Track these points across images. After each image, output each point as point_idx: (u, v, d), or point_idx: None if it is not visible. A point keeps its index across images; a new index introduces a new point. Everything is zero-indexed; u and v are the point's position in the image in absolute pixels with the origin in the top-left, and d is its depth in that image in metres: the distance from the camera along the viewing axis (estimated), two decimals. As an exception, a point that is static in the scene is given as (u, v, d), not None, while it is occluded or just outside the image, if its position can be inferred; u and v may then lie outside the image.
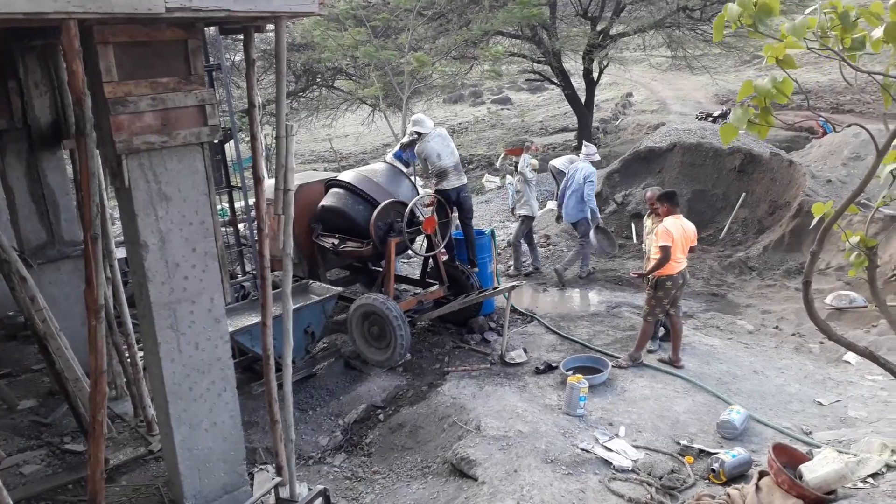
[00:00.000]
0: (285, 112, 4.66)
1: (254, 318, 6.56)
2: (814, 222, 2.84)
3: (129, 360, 5.73)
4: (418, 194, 7.94)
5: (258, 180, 4.80)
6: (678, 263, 6.68)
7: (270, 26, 4.94)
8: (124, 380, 5.91)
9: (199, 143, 4.42)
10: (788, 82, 2.42)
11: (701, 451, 5.42)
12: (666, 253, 6.51)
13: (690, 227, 6.84)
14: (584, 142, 9.99)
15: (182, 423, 4.47)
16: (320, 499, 4.51)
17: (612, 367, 6.72)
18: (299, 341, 6.57)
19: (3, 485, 3.77)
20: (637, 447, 5.47)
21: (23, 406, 6.25)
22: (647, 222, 7.44)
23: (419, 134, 7.88)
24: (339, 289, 7.42)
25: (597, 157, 10.23)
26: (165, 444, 4.66)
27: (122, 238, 5.89)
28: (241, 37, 4.91)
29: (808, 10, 2.55)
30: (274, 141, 4.79)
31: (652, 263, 6.69)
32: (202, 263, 4.48)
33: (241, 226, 8.56)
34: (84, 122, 3.64)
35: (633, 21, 19.37)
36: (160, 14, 3.76)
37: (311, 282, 7.54)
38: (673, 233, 6.58)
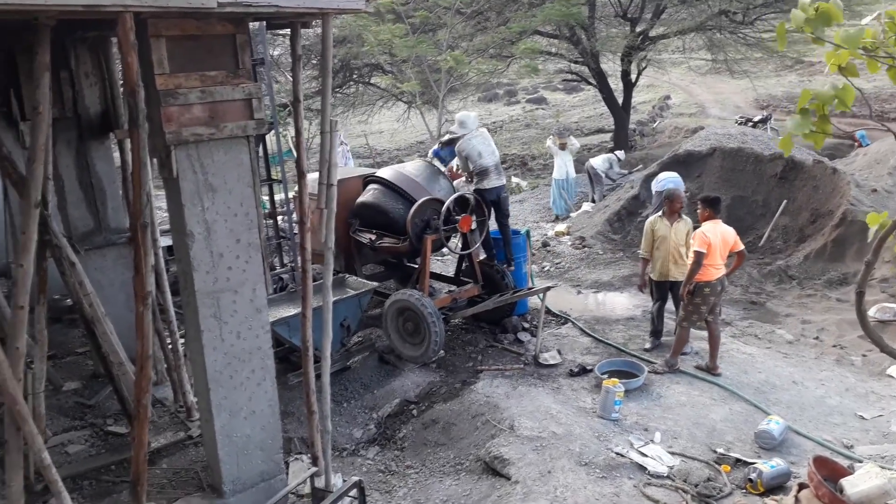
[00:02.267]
0: (330, 108, 4.71)
1: (291, 310, 6.64)
2: (871, 232, 2.76)
3: (170, 346, 5.84)
4: (455, 192, 7.94)
5: (301, 174, 4.85)
6: (716, 269, 6.58)
7: (316, 22, 5.01)
8: (165, 366, 6.02)
9: (245, 136, 4.49)
10: (850, 90, 2.37)
11: (738, 460, 5.34)
12: (698, 258, 6.42)
13: (730, 233, 6.73)
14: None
15: (222, 409, 4.54)
16: (355, 490, 4.55)
17: (648, 372, 6.65)
18: (335, 334, 6.61)
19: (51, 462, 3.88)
20: (673, 453, 5.41)
21: (67, 387, 6.41)
22: (659, 227, 7.14)
23: (460, 132, 7.86)
24: (375, 283, 7.47)
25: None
26: (205, 430, 4.75)
27: (164, 227, 6.02)
28: (281, 32, 4.98)
29: (865, 20, 2.50)
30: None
31: (687, 269, 6.61)
32: (245, 254, 4.55)
33: (279, 219, 8.67)
34: (136, 113, 3.72)
35: (674, 23, 19.10)
36: (212, 9, 3.82)
37: (347, 276, 7.60)
38: (710, 238, 6.48)
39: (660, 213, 7.30)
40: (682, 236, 7.04)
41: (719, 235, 6.57)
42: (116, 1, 3.43)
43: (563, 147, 14.11)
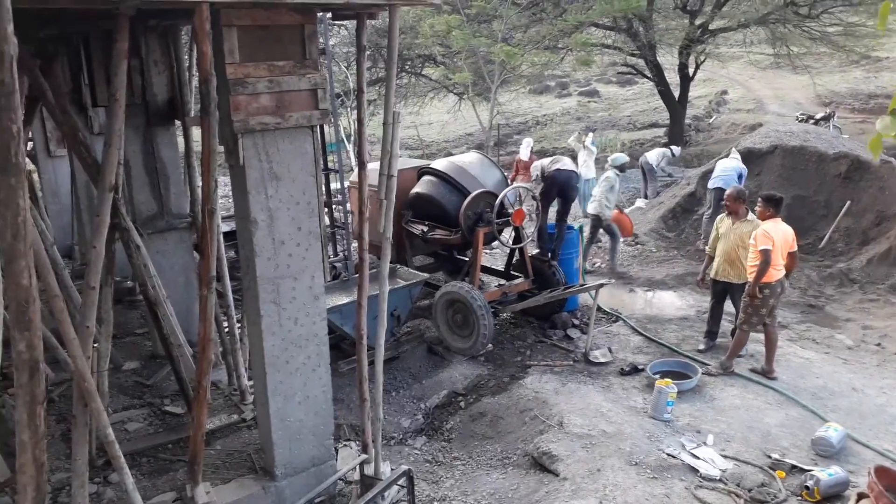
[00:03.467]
0: (393, 98, 4.73)
1: (344, 298, 6.73)
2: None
3: (226, 330, 5.98)
4: (508, 185, 7.91)
5: (362, 164, 4.90)
6: (777, 271, 6.42)
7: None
8: (220, 349, 6.17)
9: (310, 126, 4.55)
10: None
11: (793, 466, 5.21)
12: (766, 256, 6.26)
13: (790, 233, 6.55)
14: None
15: (277, 394, 4.64)
16: (404, 479, 4.60)
17: (702, 373, 6.53)
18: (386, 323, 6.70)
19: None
20: (725, 457, 5.31)
21: (127, 367, 6.64)
22: (722, 225, 7.07)
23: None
24: (426, 275, 7.51)
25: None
26: (260, 413, 4.86)
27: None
28: (339, 22, 5.01)
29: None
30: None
31: (754, 270, 6.44)
32: (306, 242, 4.62)
33: (333, 208, 8.77)
34: (209, 101, 3.81)
35: (736, 16, 18.59)
36: (283, 0, 3.88)
37: (398, 266, 7.66)
38: (773, 237, 6.32)
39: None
40: (742, 238, 6.82)
41: (780, 235, 6.41)
42: (192, -9, 3.52)
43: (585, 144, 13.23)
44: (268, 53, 4.25)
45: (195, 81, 5.90)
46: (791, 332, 7.98)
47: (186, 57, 6.21)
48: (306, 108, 4.44)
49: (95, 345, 4.86)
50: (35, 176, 9.63)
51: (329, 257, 8.19)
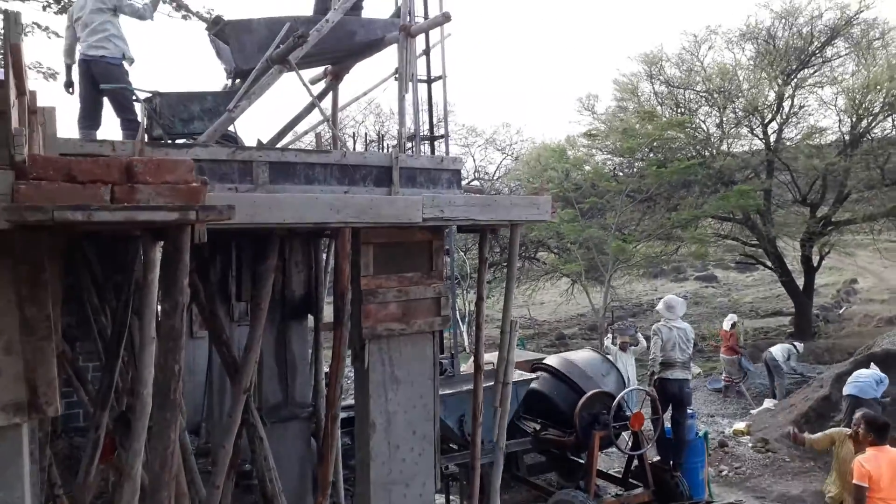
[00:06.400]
0: (512, 309, 4.90)
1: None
2: None
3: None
4: (626, 386, 7.70)
5: (478, 368, 4.99)
6: None
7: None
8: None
9: (431, 332, 4.76)
10: None
11: None
12: (860, 493, 5.54)
13: None
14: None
15: None
16: None
17: None
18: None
19: None
20: None
21: (237, 557, 6.60)
22: (846, 447, 6.16)
23: (666, 315, 8.03)
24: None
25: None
26: None
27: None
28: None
29: None
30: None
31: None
32: (419, 447, 4.65)
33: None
34: (343, 314, 4.10)
35: (860, 208, 18.15)
36: (417, 223, 4.25)
37: None
38: (869, 468, 5.58)
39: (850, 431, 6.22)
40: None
41: (885, 464, 5.64)
42: (341, 219, 3.94)
43: (623, 348, 11.25)
44: (398, 266, 4.60)
45: (329, 278, 6.38)
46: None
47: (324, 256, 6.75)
48: (430, 314, 4.69)
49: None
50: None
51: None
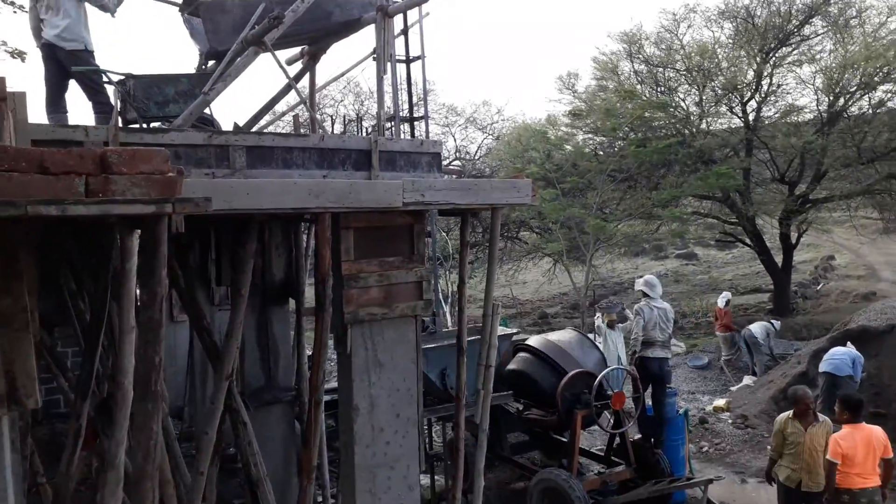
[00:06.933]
0: (493, 293, 4.91)
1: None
2: None
3: (321, 508, 5.94)
4: (607, 366, 7.78)
5: (461, 350, 5.01)
6: (863, 479, 5.74)
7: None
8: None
9: (414, 315, 4.76)
10: None
11: None
12: (831, 468, 5.71)
13: (878, 436, 5.89)
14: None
15: (369, 588, 4.50)
16: None
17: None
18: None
19: None
20: None
21: (223, 540, 6.62)
22: (792, 427, 6.24)
23: (648, 291, 8.10)
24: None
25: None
26: None
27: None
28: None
29: None
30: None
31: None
32: (403, 430, 4.68)
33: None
34: (324, 300, 4.09)
35: (837, 186, 18.37)
36: (397, 207, 4.23)
37: None
38: (843, 447, 5.72)
39: (790, 412, 6.39)
40: (820, 440, 6.12)
41: (859, 441, 5.79)
42: (320, 204, 3.91)
43: (611, 325, 11.05)
44: (379, 250, 4.58)
45: (310, 262, 6.35)
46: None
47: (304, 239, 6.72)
48: (411, 298, 4.69)
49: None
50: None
51: None
